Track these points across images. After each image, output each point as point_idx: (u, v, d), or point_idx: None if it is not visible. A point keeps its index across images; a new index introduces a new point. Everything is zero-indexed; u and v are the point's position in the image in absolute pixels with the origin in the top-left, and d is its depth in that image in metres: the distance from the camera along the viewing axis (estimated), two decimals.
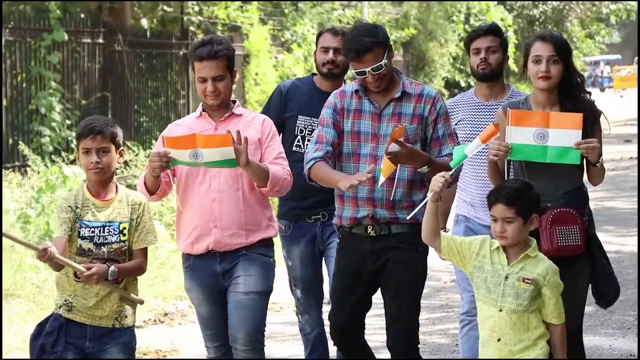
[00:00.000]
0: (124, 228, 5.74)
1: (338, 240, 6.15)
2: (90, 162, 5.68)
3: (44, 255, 5.39)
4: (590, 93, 5.97)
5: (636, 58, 54.38)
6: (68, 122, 15.67)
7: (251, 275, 6.01)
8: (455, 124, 6.68)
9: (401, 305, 5.95)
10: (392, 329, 5.98)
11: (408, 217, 5.73)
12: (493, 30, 6.76)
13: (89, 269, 5.53)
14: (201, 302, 6.17)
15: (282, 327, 9.14)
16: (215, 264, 6.05)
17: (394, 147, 5.61)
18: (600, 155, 5.74)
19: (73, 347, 5.70)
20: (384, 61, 5.86)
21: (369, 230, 5.94)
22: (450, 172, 5.42)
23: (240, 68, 20.18)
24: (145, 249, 5.85)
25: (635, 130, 29.98)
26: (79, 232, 5.67)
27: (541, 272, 5.21)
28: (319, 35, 7.12)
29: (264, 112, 7.14)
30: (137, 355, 8.67)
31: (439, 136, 6.00)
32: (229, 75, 6.03)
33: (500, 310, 5.19)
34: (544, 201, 5.70)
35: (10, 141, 14.59)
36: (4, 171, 12.92)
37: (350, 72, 6.24)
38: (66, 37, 15.68)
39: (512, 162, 5.83)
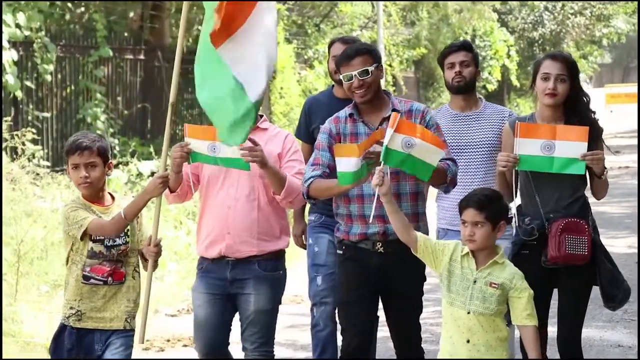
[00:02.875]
0: (128, 230, 5.50)
1: (341, 252, 5.80)
2: (80, 177, 5.42)
3: (166, 178, 5.51)
4: (594, 112, 5.80)
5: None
6: (111, 130, 15.75)
7: (260, 295, 5.81)
8: None
9: (409, 315, 5.76)
10: (400, 337, 5.79)
11: (370, 221, 5.42)
12: (466, 46, 6.61)
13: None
14: (202, 304, 5.89)
15: (303, 318, 9.12)
16: (226, 270, 5.83)
17: (377, 147, 5.27)
18: (605, 168, 5.59)
19: (86, 355, 5.48)
20: (371, 68, 5.63)
21: (377, 246, 5.64)
22: (382, 167, 5.10)
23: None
24: None
25: (624, 142, 30.00)
26: (90, 235, 5.43)
27: (508, 276, 5.05)
28: (330, 45, 6.96)
29: (297, 129, 7.07)
30: (171, 341, 8.75)
31: None
32: None
33: (469, 313, 5.04)
34: (547, 212, 5.61)
35: (60, 147, 14.66)
36: (54, 174, 12.98)
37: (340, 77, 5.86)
38: (111, 53, 15.78)
39: (519, 174, 5.70)
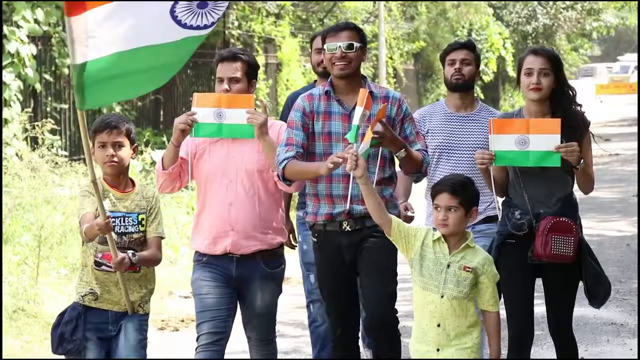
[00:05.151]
0: (142, 219, 5.29)
1: (314, 240, 5.59)
2: (106, 155, 5.23)
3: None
4: (581, 105, 5.60)
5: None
6: None
7: (266, 293, 5.61)
8: (426, 133, 6.24)
9: (381, 286, 5.38)
10: (372, 309, 5.41)
11: (347, 207, 5.31)
12: (468, 45, 6.37)
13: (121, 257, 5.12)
14: (210, 290, 5.57)
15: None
16: (231, 266, 5.58)
17: (379, 127, 5.12)
18: (582, 159, 5.36)
19: (95, 333, 5.26)
20: (356, 44, 5.40)
21: (344, 225, 5.41)
22: (355, 149, 4.87)
23: (274, 74, 20.18)
24: (159, 241, 5.37)
25: (613, 130, 30.00)
26: None
27: (480, 261, 4.89)
28: (312, 40, 6.77)
29: None
30: (185, 321, 8.74)
31: (407, 135, 5.49)
32: (246, 81, 5.58)
33: (442, 297, 4.85)
34: (537, 208, 5.45)
35: (77, 137, 14.65)
36: (72, 163, 12.97)
37: (323, 55, 5.63)
38: None
39: (508, 169, 5.52)
